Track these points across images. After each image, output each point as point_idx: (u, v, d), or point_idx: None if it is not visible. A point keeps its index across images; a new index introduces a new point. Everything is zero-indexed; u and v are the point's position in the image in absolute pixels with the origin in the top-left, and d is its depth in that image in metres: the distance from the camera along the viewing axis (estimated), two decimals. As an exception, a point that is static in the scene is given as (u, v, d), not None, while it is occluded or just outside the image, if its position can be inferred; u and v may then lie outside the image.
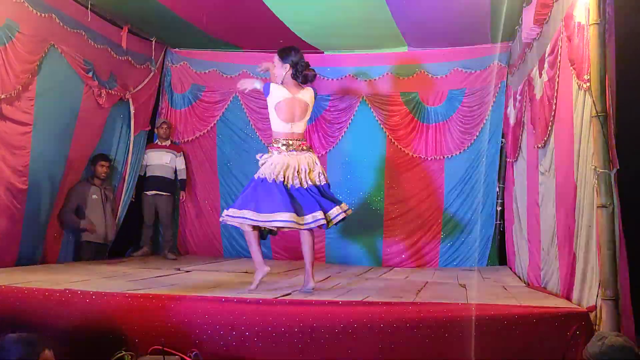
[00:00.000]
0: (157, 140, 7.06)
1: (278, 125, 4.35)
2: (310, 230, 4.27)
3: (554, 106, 4.27)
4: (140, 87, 6.80)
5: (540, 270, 4.69)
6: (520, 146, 5.68)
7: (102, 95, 6.07)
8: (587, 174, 3.48)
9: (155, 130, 7.06)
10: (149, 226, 6.88)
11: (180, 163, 7.05)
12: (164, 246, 6.89)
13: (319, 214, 4.17)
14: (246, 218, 4.17)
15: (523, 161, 5.56)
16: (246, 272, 5.34)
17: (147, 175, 6.92)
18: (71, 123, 5.77)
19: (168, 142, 7.09)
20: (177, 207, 7.26)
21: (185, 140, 7.31)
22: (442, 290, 4.61)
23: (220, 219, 4.40)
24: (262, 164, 4.33)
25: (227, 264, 6.40)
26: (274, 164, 4.25)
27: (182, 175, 7.07)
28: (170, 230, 6.94)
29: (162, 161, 6.92)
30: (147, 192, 6.86)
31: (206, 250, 7.27)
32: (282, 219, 4.10)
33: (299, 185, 4.20)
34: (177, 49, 7.35)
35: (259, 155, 4.44)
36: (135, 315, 3.55)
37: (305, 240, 4.30)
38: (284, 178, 4.20)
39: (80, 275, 4.63)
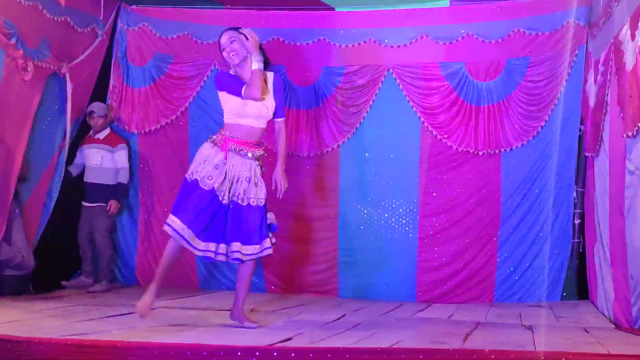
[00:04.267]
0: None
1: None
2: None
3: (651, 79, 4.29)
4: (82, 57, 6.82)
5: (632, 306, 4.70)
6: (602, 135, 5.68)
7: (29, 68, 6.04)
8: None
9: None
10: (84, 248, 6.95)
11: (121, 159, 6.98)
12: (98, 274, 6.91)
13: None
14: None
15: (605, 156, 5.56)
16: (229, 310, 5.36)
17: (85, 180, 7.01)
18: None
19: (104, 134, 7.01)
20: (136, 223, 7.35)
21: (147, 130, 7.34)
22: (499, 333, 4.62)
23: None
24: None
25: (204, 298, 6.43)
26: None
27: (121, 178, 6.99)
28: (108, 252, 6.98)
29: (92, 162, 6.95)
30: (84, 203, 6.98)
31: (176, 280, 7.27)
32: None
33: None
34: (134, 6, 7.41)
35: None
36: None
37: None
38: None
39: (4, 315, 4.66)
